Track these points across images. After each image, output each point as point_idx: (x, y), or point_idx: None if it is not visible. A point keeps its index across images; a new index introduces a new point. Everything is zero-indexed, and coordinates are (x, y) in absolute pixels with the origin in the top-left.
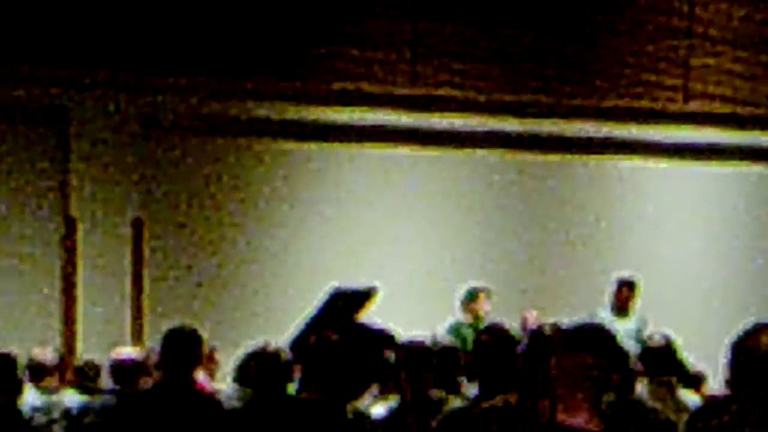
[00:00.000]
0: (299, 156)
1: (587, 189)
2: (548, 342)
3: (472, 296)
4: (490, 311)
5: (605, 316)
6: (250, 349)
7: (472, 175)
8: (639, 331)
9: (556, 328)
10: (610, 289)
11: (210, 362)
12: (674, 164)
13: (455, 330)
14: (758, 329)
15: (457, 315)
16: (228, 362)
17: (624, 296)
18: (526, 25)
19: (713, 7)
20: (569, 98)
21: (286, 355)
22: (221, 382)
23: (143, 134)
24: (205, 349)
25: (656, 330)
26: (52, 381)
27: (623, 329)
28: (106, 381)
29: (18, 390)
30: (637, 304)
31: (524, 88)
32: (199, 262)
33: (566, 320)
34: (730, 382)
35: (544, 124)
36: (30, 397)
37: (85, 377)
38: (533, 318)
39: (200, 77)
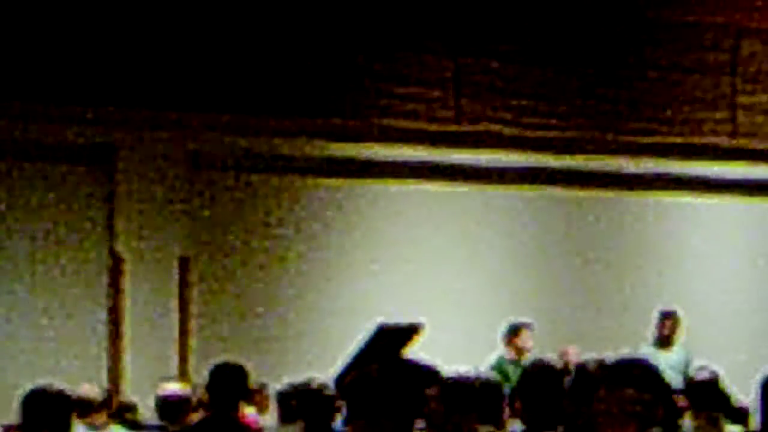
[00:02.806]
0: (344, 193)
1: (632, 225)
2: (593, 378)
3: (514, 331)
4: (532, 346)
5: (648, 351)
6: (294, 384)
7: (515, 211)
8: (684, 363)
9: (600, 364)
10: (653, 323)
11: (260, 398)
12: (720, 200)
13: (498, 365)
14: None
15: (499, 350)
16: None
17: (667, 328)
18: (570, 62)
19: (760, 43)
20: (614, 134)
21: (331, 390)
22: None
23: (189, 172)
24: (252, 384)
25: (701, 364)
26: (98, 417)
27: (667, 362)
28: (152, 416)
29: (67, 430)
30: (681, 336)
31: (569, 125)
32: (245, 299)
33: (608, 355)
34: (761, 420)
35: (588, 160)
36: None
37: (125, 413)
38: (573, 352)
39: (245, 115)
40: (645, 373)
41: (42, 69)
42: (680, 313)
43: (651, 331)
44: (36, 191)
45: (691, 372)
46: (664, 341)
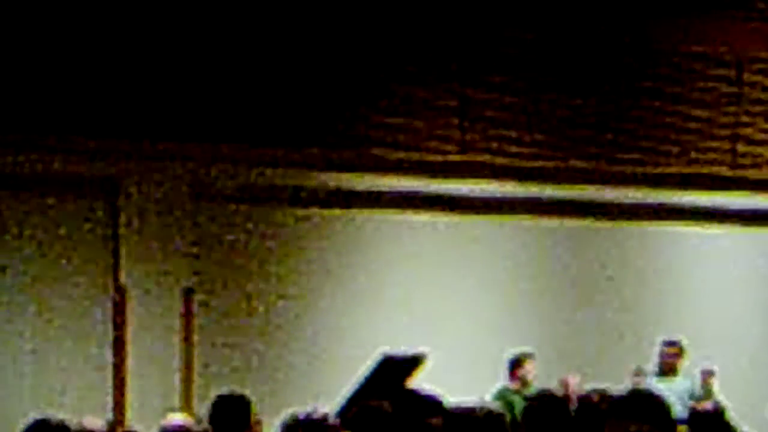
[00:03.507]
0: (349, 225)
1: (634, 255)
2: (597, 409)
3: (517, 362)
4: (535, 376)
5: (650, 382)
6: (297, 416)
7: (518, 241)
8: (689, 392)
9: (603, 395)
10: (656, 352)
11: (257, 429)
12: (721, 230)
13: (501, 396)
14: None
15: (503, 381)
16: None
17: (671, 357)
18: (573, 93)
19: (762, 73)
20: (617, 165)
21: (334, 421)
22: None
23: (193, 204)
24: (255, 415)
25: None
26: None
27: (671, 391)
28: None
29: None
30: (684, 365)
31: (572, 155)
32: (249, 331)
33: (609, 385)
34: None
35: (592, 190)
36: None
37: None
38: (574, 382)
39: (249, 147)
40: (651, 406)
41: (45, 101)
42: (683, 342)
43: (654, 359)
44: (40, 223)
45: (694, 402)
46: (668, 370)
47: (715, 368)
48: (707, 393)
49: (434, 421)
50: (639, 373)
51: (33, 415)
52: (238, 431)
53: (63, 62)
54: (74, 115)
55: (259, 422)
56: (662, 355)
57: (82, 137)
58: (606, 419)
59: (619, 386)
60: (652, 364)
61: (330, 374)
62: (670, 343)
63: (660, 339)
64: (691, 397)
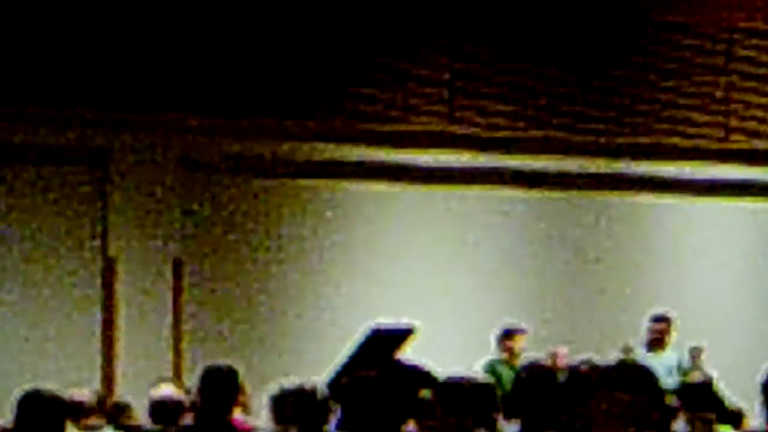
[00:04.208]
0: (337, 196)
1: (625, 226)
2: (586, 380)
3: (507, 334)
4: (525, 349)
5: (640, 353)
6: (285, 387)
7: (509, 212)
8: (677, 365)
9: (593, 367)
10: (645, 326)
11: (244, 400)
12: (713, 201)
13: (491, 368)
14: None
15: (492, 353)
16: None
17: (659, 331)
18: (564, 64)
19: (753, 45)
20: (608, 137)
21: (323, 393)
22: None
23: (182, 175)
24: (243, 387)
25: (694, 366)
26: (91, 420)
27: (660, 364)
28: (145, 419)
29: None
30: (673, 338)
31: (564, 127)
32: (239, 302)
33: (599, 358)
34: (764, 420)
35: (582, 162)
36: None
37: (118, 416)
38: (563, 354)
39: (239, 118)
40: (642, 377)
41: (36, 72)
42: (673, 315)
43: (643, 332)
44: (30, 194)
45: (684, 374)
46: (657, 344)
47: (704, 345)
48: (696, 368)
49: (424, 392)
50: (627, 349)
51: (23, 387)
52: (226, 403)
53: (54, 33)
54: (66, 86)
55: (245, 393)
56: (651, 330)
57: (72, 108)
58: (594, 390)
59: (607, 359)
60: (641, 338)
61: (320, 346)
62: (659, 317)
63: (649, 312)
64: (680, 370)
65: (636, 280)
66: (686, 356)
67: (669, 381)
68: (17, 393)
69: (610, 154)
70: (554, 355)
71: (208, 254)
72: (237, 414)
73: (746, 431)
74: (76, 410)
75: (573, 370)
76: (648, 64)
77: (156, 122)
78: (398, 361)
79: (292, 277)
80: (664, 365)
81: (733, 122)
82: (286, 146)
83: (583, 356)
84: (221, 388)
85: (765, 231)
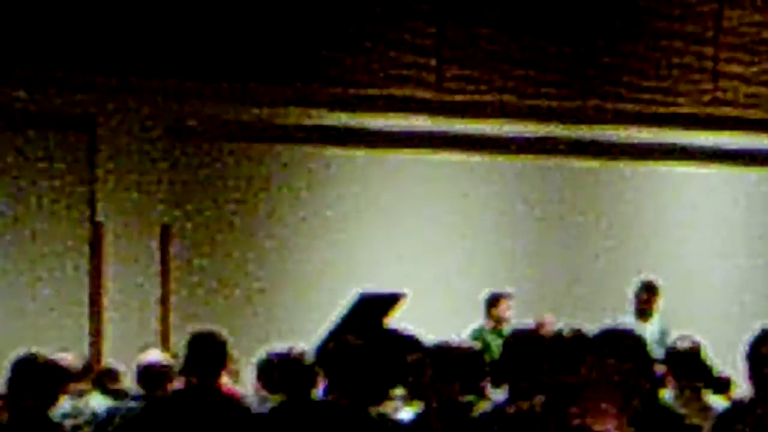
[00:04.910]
0: (324, 161)
1: (614, 194)
2: (570, 346)
3: (493, 301)
4: (512, 316)
5: (628, 321)
6: (273, 353)
7: (496, 180)
8: (662, 334)
9: (576, 333)
10: (631, 294)
11: (231, 366)
12: (702, 168)
13: (478, 334)
14: None
15: (479, 320)
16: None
17: (645, 299)
18: (552, 31)
19: (741, 14)
20: (596, 103)
21: (311, 359)
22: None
23: (170, 140)
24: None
25: (683, 334)
26: (78, 386)
27: (645, 332)
28: (133, 385)
29: (53, 400)
30: (660, 306)
31: (551, 94)
32: (227, 267)
33: (589, 325)
34: (752, 387)
35: (570, 129)
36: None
37: (106, 382)
38: (550, 321)
39: (226, 83)
40: (632, 343)
41: (24, 36)
42: (659, 283)
43: (630, 302)
44: (16, 159)
45: (673, 342)
46: (643, 312)
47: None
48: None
49: (413, 358)
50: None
51: (11, 353)
52: (214, 370)
53: None
54: (53, 50)
55: (233, 359)
56: (638, 297)
57: (60, 73)
58: (583, 356)
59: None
60: (629, 304)
61: (308, 312)
62: (645, 286)
63: (637, 279)
64: (663, 336)
65: (623, 246)
66: (669, 323)
67: (656, 349)
68: (9, 358)
69: (597, 121)
70: (541, 323)
71: (195, 220)
72: (224, 380)
73: (734, 399)
74: (65, 376)
75: (556, 337)
76: (636, 30)
77: (143, 88)
78: (386, 328)
79: (280, 243)
80: (650, 333)
81: (722, 89)
82: (273, 112)
83: (568, 323)
84: (208, 354)
85: (750, 198)
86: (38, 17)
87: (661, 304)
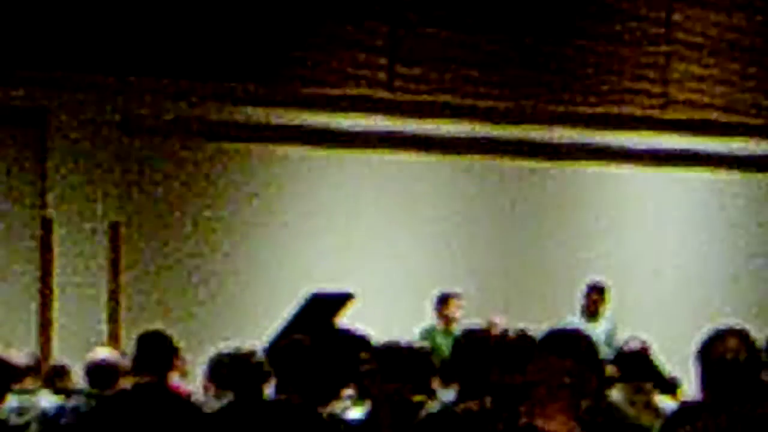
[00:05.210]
0: (276, 160)
1: (565, 195)
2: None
3: (443, 301)
4: (462, 316)
5: (575, 322)
6: (223, 352)
7: (447, 180)
8: (610, 335)
9: (521, 334)
10: (580, 295)
11: (180, 364)
12: (653, 171)
13: (428, 334)
14: (721, 335)
15: (429, 319)
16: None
17: (593, 301)
18: (504, 31)
19: (692, 14)
20: (547, 104)
21: (261, 358)
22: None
23: (121, 137)
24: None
25: (632, 335)
26: (27, 383)
27: (593, 334)
28: (82, 383)
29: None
30: (607, 308)
31: (502, 94)
32: (177, 265)
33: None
34: (700, 388)
35: (522, 130)
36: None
37: (55, 379)
38: (501, 322)
39: (178, 80)
40: (580, 343)
41: None
42: (607, 285)
43: (578, 301)
44: None
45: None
46: (591, 314)
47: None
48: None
49: (362, 355)
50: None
51: None
52: (162, 368)
53: None
54: (3, 45)
55: (182, 358)
56: (586, 299)
57: (11, 67)
58: (530, 356)
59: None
60: (577, 305)
61: (258, 311)
62: (594, 287)
63: (586, 281)
64: (611, 337)
65: (578, 248)
66: (616, 324)
67: (604, 350)
68: None
69: (551, 123)
70: (491, 324)
71: (145, 217)
72: (174, 378)
73: (683, 401)
74: (12, 373)
75: (502, 337)
76: (587, 31)
77: (95, 83)
78: (337, 327)
79: (230, 242)
80: (598, 334)
81: (672, 91)
82: (227, 109)
83: (522, 326)
84: (156, 354)
85: (704, 201)
86: None
87: (608, 305)
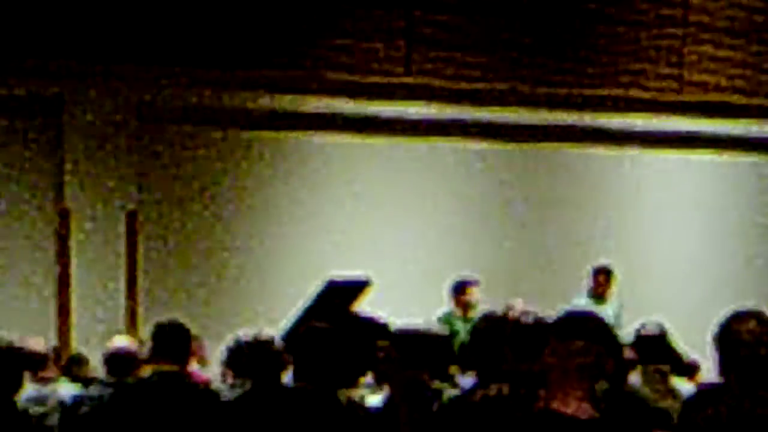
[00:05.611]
0: (293, 147)
1: (580, 179)
2: (532, 332)
3: (460, 288)
4: (479, 301)
5: (583, 304)
6: (241, 339)
7: (463, 165)
8: (617, 317)
9: (537, 319)
10: (586, 278)
11: (199, 352)
12: (667, 154)
13: (446, 320)
14: (740, 317)
15: (447, 305)
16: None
17: (600, 283)
18: (520, 15)
19: None
20: (563, 88)
21: (279, 345)
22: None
23: (137, 125)
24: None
25: (650, 319)
26: (46, 372)
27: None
28: (100, 371)
29: (18, 386)
30: (614, 290)
31: (518, 79)
32: (194, 253)
33: (552, 308)
34: (719, 372)
35: (538, 114)
36: (25, 389)
37: (74, 368)
38: (518, 307)
39: (195, 68)
40: (596, 325)
41: None
42: (613, 267)
43: (585, 284)
44: None
45: (623, 325)
46: (598, 296)
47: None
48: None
49: (380, 342)
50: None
51: None
52: (181, 357)
53: None
54: (20, 35)
55: (201, 345)
56: (593, 282)
57: (28, 57)
58: (546, 340)
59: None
60: (584, 288)
61: (276, 297)
62: (600, 269)
63: (593, 264)
64: (618, 319)
65: (595, 231)
66: (624, 307)
67: None
68: None
69: (568, 106)
70: (510, 308)
71: (162, 206)
72: (193, 366)
73: (701, 383)
74: (32, 361)
75: (517, 323)
76: (602, 15)
77: (111, 72)
78: (355, 314)
79: (248, 229)
80: (607, 317)
81: (688, 74)
82: (242, 97)
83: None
84: (174, 343)
85: (721, 183)
86: (4, 2)
87: (614, 288)
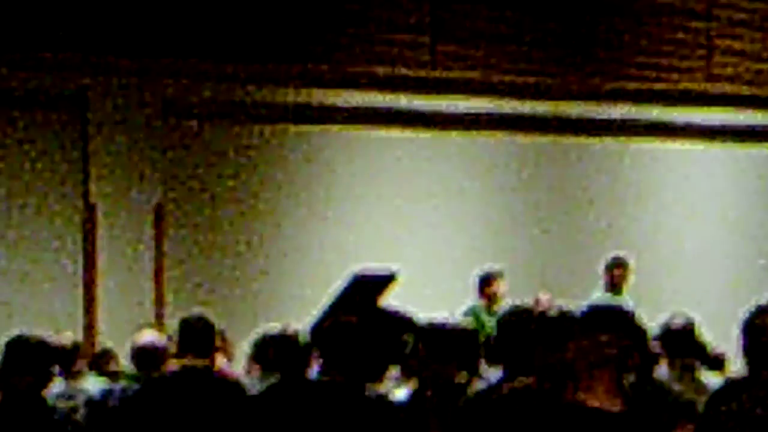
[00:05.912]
0: (319, 140)
1: (607, 172)
2: (558, 325)
3: (486, 281)
4: (505, 293)
5: (599, 297)
6: (267, 333)
7: (491, 158)
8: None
9: (562, 312)
10: (602, 270)
11: (226, 347)
12: (694, 145)
13: (472, 313)
14: (764, 312)
15: (472, 298)
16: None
17: (616, 275)
18: (547, 7)
19: None
20: (589, 80)
21: (305, 339)
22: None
23: (163, 120)
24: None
25: (675, 311)
26: (73, 367)
27: None
28: (128, 366)
29: (47, 380)
30: (630, 282)
31: (545, 71)
32: (220, 248)
33: (581, 303)
34: (746, 364)
35: (564, 106)
36: (53, 384)
37: (101, 362)
38: (546, 300)
39: (221, 62)
40: (622, 318)
41: (12, 16)
42: (629, 259)
43: (601, 276)
44: (9, 139)
45: (667, 319)
46: (614, 288)
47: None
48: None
49: (407, 337)
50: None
51: (4, 334)
52: (206, 351)
53: None
54: (44, 29)
55: (227, 340)
56: (610, 273)
57: (53, 52)
58: (573, 333)
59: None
60: (600, 280)
61: (302, 292)
62: (617, 262)
63: (608, 256)
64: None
65: (618, 223)
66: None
67: None
68: (2, 339)
69: (588, 98)
70: (536, 302)
71: (189, 200)
72: (220, 361)
73: (728, 376)
74: (61, 357)
75: (542, 317)
76: (630, 6)
77: (137, 66)
78: (381, 308)
79: (275, 223)
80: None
81: (715, 66)
82: (268, 91)
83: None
84: (200, 337)
85: (748, 175)
86: None
87: (631, 280)
